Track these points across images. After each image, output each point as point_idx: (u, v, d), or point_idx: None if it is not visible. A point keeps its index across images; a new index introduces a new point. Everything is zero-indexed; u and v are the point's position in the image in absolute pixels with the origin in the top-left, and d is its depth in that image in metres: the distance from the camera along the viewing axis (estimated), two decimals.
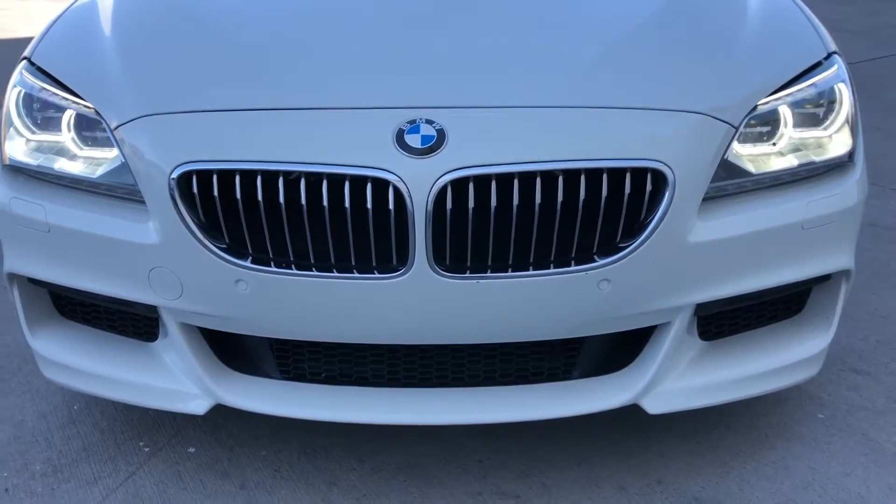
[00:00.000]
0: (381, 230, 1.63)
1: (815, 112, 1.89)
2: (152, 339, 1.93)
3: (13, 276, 1.95)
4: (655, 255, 1.67)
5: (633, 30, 1.94)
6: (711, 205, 1.74)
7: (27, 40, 2.12)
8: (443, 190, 1.60)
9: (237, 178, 1.64)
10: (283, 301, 1.70)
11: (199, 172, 1.66)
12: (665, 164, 1.63)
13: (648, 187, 1.64)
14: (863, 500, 1.95)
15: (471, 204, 1.60)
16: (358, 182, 1.62)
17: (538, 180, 1.61)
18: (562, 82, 1.75)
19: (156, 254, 1.73)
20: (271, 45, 1.90)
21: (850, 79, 1.96)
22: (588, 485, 2.00)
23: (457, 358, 1.84)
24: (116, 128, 1.77)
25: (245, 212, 1.65)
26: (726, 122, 1.74)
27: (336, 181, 1.62)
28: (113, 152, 1.78)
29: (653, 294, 1.72)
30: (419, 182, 1.60)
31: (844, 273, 1.92)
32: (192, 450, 2.12)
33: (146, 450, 2.13)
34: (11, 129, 1.92)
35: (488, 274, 1.65)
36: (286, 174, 1.63)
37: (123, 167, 1.76)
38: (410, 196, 1.60)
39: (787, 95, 1.85)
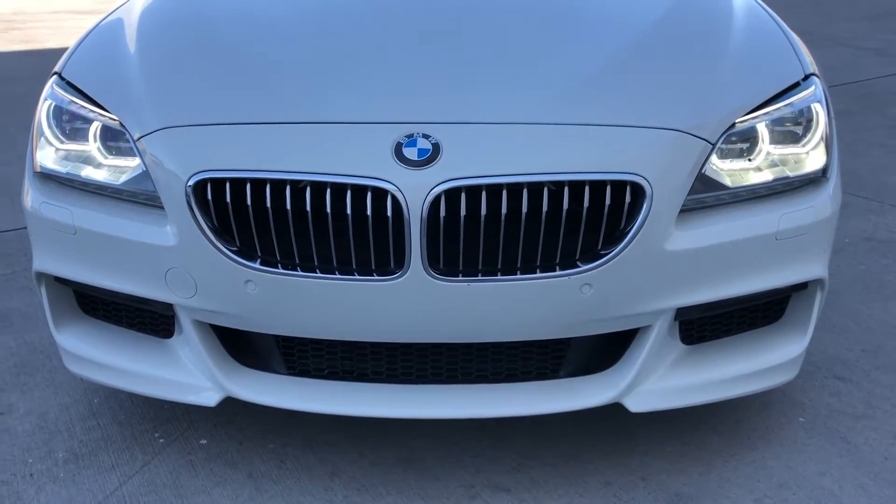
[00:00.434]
0: (380, 236, 1.76)
1: (791, 130, 2.00)
2: (168, 335, 2.07)
3: (41, 276, 2.09)
4: (634, 261, 1.79)
5: (620, 50, 2.06)
6: (689, 216, 1.86)
7: (54, 51, 2.28)
8: (437, 199, 1.73)
9: (248, 187, 1.77)
10: (288, 300, 1.83)
11: (214, 180, 1.80)
12: (643, 178, 1.76)
13: (627, 199, 1.76)
14: (835, 497, 2.05)
15: (463, 212, 1.73)
16: (359, 191, 1.75)
17: (525, 191, 1.73)
18: (549, 100, 1.88)
19: (173, 255, 1.87)
20: (281, 63, 2.04)
21: (826, 99, 2.08)
22: (576, 480, 2.12)
23: (451, 356, 1.96)
24: (139, 139, 1.91)
25: (255, 217, 1.79)
26: (703, 139, 1.86)
27: (339, 190, 1.75)
28: (135, 161, 1.93)
29: (633, 298, 1.84)
30: (415, 192, 1.73)
31: (819, 282, 2.03)
32: (203, 441, 2.26)
33: (161, 441, 2.26)
34: (42, 139, 2.07)
35: (479, 277, 1.77)
36: (293, 183, 1.76)
37: (144, 175, 1.91)
38: (407, 204, 1.73)
39: (765, 114, 1.96)
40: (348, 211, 1.74)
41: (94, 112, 2.01)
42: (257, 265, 1.80)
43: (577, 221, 1.76)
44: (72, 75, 2.15)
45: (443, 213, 1.73)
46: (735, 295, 1.92)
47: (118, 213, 1.94)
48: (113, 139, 1.98)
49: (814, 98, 2.04)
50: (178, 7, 2.36)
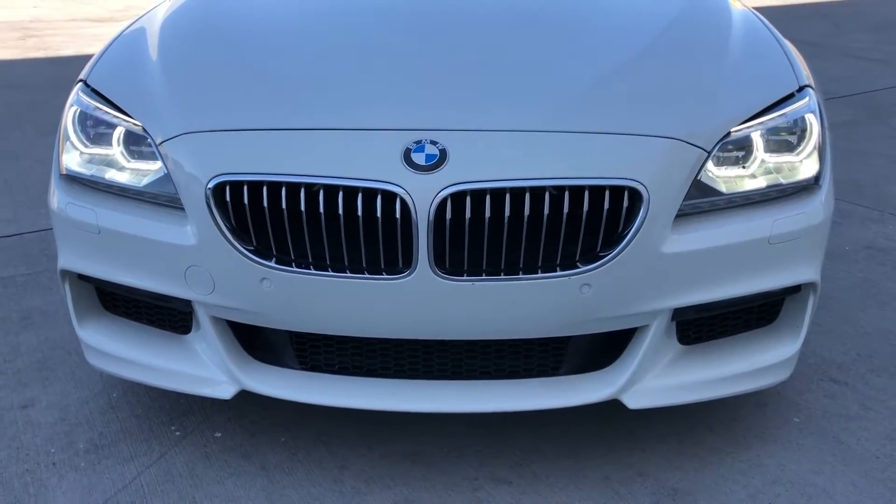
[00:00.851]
0: (389, 236, 1.85)
1: (786, 139, 2.08)
2: (186, 331, 2.16)
3: (65, 273, 2.19)
4: (632, 263, 1.87)
5: (620, 60, 2.16)
6: (685, 220, 1.95)
7: (71, 59, 2.37)
8: (443, 202, 1.82)
9: (265, 189, 1.87)
10: (301, 297, 1.92)
11: (232, 183, 1.89)
12: (640, 184, 1.84)
13: (625, 203, 1.85)
14: (827, 494, 2.12)
15: (468, 215, 1.82)
16: (370, 194, 1.84)
17: (527, 195, 1.82)
18: (551, 108, 1.97)
19: (192, 254, 1.96)
20: (296, 71, 2.14)
21: (820, 109, 2.16)
22: (575, 474, 2.19)
23: (455, 353, 2.05)
24: (161, 143, 2.01)
25: (271, 218, 1.88)
26: (699, 147, 1.94)
27: (350, 193, 1.84)
28: (157, 165, 2.03)
29: (630, 298, 1.92)
30: (423, 195, 1.82)
31: (811, 285, 2.11)
32: (218, 434, 2.35)
33: (177, 433, 2.35)
34: (68, 143, 2.17)
35: (483, 277, 1.86)
36: (307, 186, 1.86)
37: (166, 178, 2.00)
38: (415, 207, 1.82)
39: (760, 124, 2.05)
40: (359, 213, 1.83)
41: (118, 117, 2.11)
42: (273, 264, 1.89)
43: (577, 224, 1.84)
44: (96, 82, 2.25)
45: (449, 215, 1.82)
46: (729, 297, 2.00)
47: (140, 214, 2.03)
48: (136, 143, 2.08)
49: (807, 109, 2.12)
50: (199, 17, 2.46)
